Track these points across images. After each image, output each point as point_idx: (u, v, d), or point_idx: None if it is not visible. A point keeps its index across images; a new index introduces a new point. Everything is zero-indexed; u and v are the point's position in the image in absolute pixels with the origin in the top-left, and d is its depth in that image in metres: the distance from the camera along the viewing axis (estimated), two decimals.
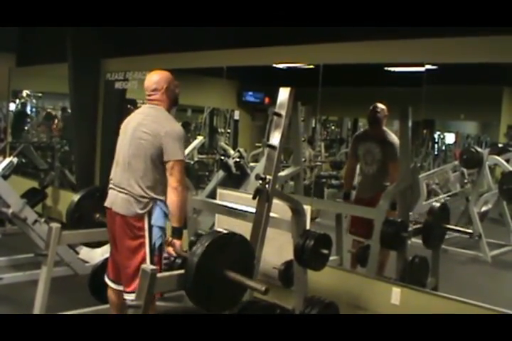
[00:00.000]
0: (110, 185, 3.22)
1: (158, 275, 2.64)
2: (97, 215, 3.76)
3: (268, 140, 3.20)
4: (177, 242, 3.09)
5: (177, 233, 3.09)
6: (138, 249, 3.06)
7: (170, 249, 3.10)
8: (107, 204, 3.20)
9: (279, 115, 3.14)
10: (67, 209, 3.83)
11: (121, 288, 3.20)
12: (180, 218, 3.07)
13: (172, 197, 3.01)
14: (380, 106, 4.56)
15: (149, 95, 3.20)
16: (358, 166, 4.87)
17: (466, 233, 4.85)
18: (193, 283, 2.52)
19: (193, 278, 2.50)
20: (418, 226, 4.15)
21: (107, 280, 3.33)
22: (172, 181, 3.01)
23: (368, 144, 4.61)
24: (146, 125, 3.08)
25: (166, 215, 3.09)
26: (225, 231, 2.66)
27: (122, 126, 3.26)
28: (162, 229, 3.10)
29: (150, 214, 3.06)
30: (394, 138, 4.48)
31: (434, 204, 4.36)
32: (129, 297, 2.86)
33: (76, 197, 3.82)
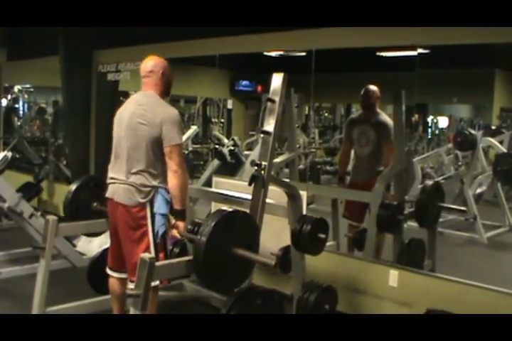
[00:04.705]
0: (109, 180, 3.20)
1: (159, 263, 2.67)
2: (95, 204, 3.76)
3: (262, 127, 3.20)
4: (181, 224, 3.11)
5: (180, 215, 3.11)
6: (141, 238, 3.07)
7: (174, 231, 3.12)
8: (108, 195, 3.20)
9: (272, 101, 3.14)
10: (65, 199, 3.83)
11: (124, 275, 3.22)
12: (182, 200, 3.07)
13: (173, 181, 3.02)
14: (372, 88, 4.56)
15: (144, 77, 3.19)
16: (353, 151, 4.88)
17: (460, 211, 4.89)
18: (203, 263, 2.56)
19: (203, 258, 2.54)
20: (413, 209, 4.17)
21: (108, 270, 3.33)
22: (172, 165, 3.02)
23: (362, 126, 4.62)
24: (140, 115, 3.06)
25: (167, 202, 3.10)
26: (230, 209, 2.71)
27: (116, 118, 3.24)
28: (165, 216, 3.12)
29: (152, 202, 3.08)
30: (387, 119, 4.49)
31: (427, 182, 4.40)
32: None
33: (72, 187, 3.82)
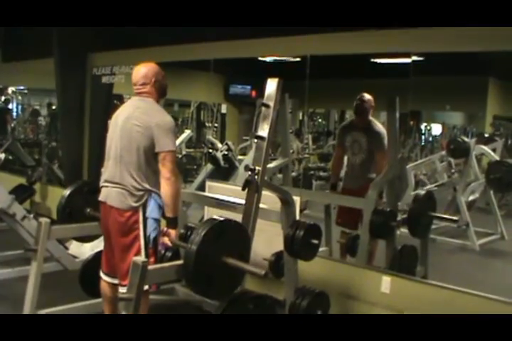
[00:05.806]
0: (102, 183, 3.19)
1: (151, 267, 2.65)
2: (88, 209, 3.74)
3: (256, 131, 3.20)
4: (172, 232, 3.09)
5: (172, 223, 3.09)
6: (133, 242, 3.05)
7: (165, 239, 3.10)
8: (101, 198, 3.18)
9: (267, 106, 3.14)
10: (58, 205, 3.80)
11: (116, 281, 3.19)
12: (174, 208, 3.06)
13: (165, 188, 3.01)
14: (367, 96, 4.55)
15: (138, 89, 3.18)
16: (346, 157, 4.87)
17: (452, 220, 4.90)
18: (193, 272, 2.54)
19: (193, 266, 2.52)
20: (406, 215, 4.18)
21: (101, 274, 3.31)
22: (164, 172, 3.00)
23: (354, 134, 4.60)
24: (136, 117, 3.06)
25: (160, 207, 3.08)
26: (221, 219, 2.69)
27: (112, 119, 3.23)
28: (157, 221, 3.10)
29: (145, 206, 3.06)
30: (380, 128, 4.49)
31: (419, 192, 4.40)
32: (125, 290, 2.86)
33: (66, 193, 3.80)
